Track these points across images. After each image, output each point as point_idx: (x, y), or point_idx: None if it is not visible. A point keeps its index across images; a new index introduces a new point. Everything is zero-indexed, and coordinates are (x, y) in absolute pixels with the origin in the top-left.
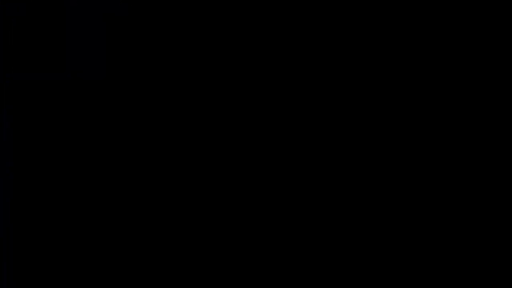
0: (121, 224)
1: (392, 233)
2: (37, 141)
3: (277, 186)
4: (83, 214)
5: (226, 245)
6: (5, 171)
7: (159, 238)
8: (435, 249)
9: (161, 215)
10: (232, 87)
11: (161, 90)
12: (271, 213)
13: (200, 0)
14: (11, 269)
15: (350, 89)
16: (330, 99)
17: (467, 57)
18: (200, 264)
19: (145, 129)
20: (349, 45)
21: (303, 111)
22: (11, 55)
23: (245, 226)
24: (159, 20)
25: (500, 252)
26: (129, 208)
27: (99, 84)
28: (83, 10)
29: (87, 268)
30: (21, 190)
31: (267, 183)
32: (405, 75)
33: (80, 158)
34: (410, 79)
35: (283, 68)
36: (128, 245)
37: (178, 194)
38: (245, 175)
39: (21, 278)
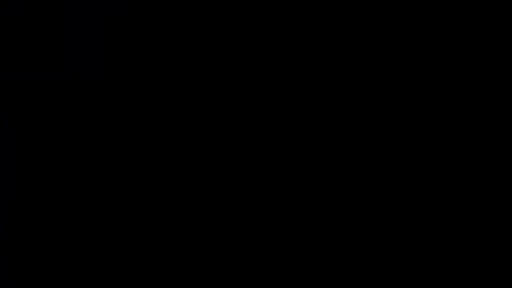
0: (121, 224)
1: (392, 233)
2: (37, 141)
3: (277, 186)
4: (83, 214)
5: (226, 245)
6: (5, 171)
7: (159, 238)
8: (435, 249)
9: (161, 215)
10: (232, 87)
11: (161, 90)
12: (271, 213)
13: (200, 0)
14: (11, 269)
15: (350, 89)
16: (330, 99)
17: (467, 57)
18: (200, 264)
19: (145, 129)
20: (349, 45)
21: (303, 111)
22: (11, 55)
23: (245, 226)
24: (159, 20)
25: (500, 252)
26: (129, 208)
27: (99, 84)
28: (83, 10)
29: (87, 268)
30: (21, 190)
31: (267, 183)
32: (404, 75)
33: (80, 158)
34: (410, 79)
35: (283, 68)
36: (128, 245)
37: (178, 194)
38: (245, 175)
39: (21, 278)
